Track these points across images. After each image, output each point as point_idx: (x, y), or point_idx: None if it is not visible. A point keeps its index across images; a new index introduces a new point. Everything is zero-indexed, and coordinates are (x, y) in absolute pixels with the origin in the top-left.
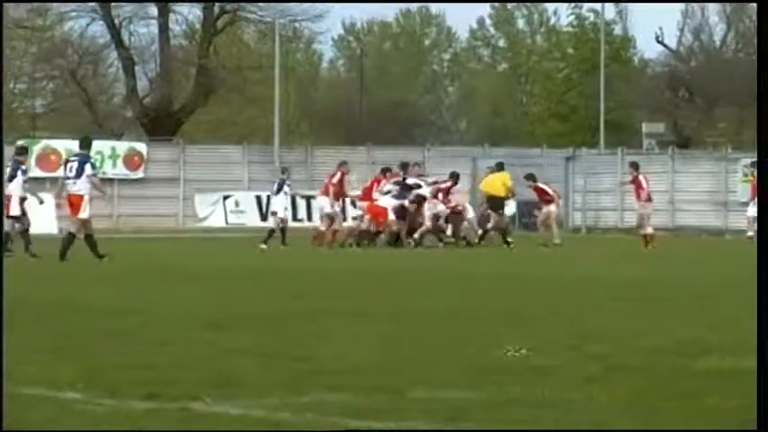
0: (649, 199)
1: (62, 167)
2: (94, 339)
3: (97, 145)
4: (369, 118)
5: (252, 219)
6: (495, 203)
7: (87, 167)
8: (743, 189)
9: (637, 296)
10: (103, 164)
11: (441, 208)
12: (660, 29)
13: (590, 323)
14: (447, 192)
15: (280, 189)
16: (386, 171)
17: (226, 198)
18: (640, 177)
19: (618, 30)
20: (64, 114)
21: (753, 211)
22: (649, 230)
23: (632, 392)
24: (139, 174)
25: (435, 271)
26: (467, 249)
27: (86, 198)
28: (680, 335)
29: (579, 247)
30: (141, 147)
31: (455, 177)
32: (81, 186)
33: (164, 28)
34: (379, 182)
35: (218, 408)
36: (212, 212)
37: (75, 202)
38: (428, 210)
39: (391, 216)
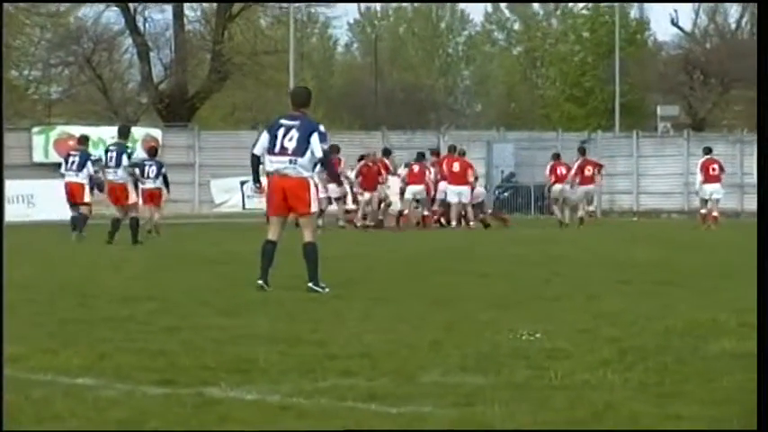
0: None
1: (103, 156)
2: (105, 326)
3: (113, 131)
4: (384, 102)
5: None
6: None
7: (124, 158)
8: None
9: (650, 279)
10: None
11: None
12: (675, 11)
13: (602, 306)
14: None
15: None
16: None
17: (243, 183)
18: (577, 162)
19: (634, 13)
20: (79, 101)
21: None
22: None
23: (646, 374)
24: None
25: (439, 252)
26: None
27: (129, 186)
28: (693, 317)
29: (593, 230)
30: (156, 132)
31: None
32: (121, 175)
33: (178, 14)
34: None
35: (232, 393)
36: (230, 198)
37: (115, 190)
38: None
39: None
